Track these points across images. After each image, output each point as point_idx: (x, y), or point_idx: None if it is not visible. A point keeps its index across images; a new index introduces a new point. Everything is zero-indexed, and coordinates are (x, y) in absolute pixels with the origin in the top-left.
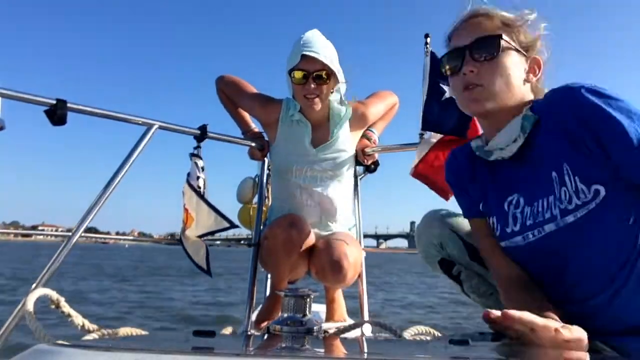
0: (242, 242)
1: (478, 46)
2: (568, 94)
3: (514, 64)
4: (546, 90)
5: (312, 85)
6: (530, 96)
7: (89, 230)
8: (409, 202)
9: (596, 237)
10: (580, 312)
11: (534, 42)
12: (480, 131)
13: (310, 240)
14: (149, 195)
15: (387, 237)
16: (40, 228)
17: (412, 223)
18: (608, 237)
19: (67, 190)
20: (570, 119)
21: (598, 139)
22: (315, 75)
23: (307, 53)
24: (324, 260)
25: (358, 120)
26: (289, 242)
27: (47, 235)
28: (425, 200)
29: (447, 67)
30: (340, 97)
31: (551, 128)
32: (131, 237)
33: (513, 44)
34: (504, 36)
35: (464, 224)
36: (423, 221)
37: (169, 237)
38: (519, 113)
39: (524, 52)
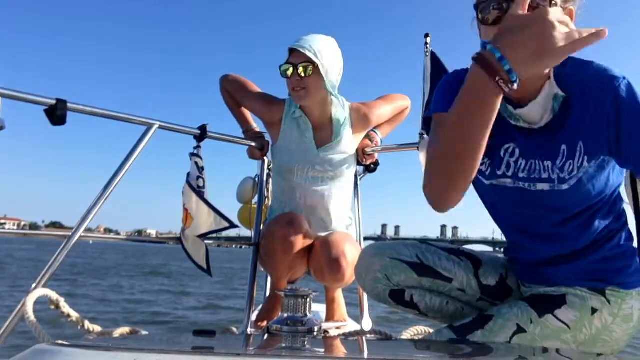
0: (242, 241)
1: None
2: (611, 82)
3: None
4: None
5: (297, 78)
6: None
7: (54, 225)
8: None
9: (578, 202)
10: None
11: None
12: None
13: (309, 239)
14: (144, 193)
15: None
16: (2, 222)
17: (384, 226)
18: (589, 194)
19: (30, 184)
20: (607, 105)
21: (619, 128)
22: (299, 68)
23: (294, 46)
24: (323, 260)
25: (361, 121)
26: (286, 241)
27: (47, 235)
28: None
29: (493, 8)
30: (330, 93)
31: (580, 106)
32: (133, 237)
33: None
34: None
35: (399, 246)
36: (361, 261)
37: (170, 236)
38: (543, 76)
39: (563, 3)
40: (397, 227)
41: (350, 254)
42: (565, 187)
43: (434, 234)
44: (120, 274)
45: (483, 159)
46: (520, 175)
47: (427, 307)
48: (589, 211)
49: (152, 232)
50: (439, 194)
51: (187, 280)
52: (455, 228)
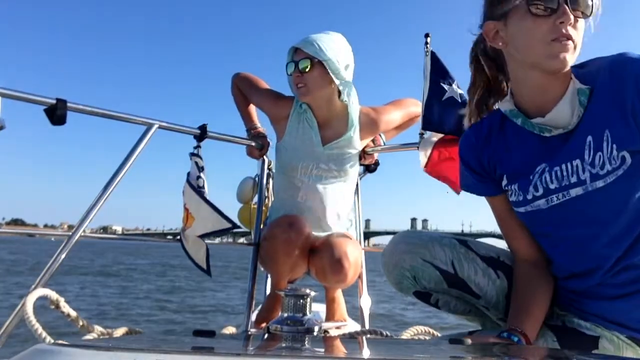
0: (242, 239)
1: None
2: (630, 64)
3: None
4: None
5: (298, 74)
6: None
7: (15, 222)
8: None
9: (621, 203)
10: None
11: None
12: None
13: (310, 240)
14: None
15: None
16: None
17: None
18: (632, 203)
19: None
20: (630, 88)
21: None
22: (299, 65)
23: (295, 45)
24: (325, 261)
25: (368, 126)
26: (288, 242)
27: (48, 234)
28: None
29: (539, 4)
30: (339, 93)
31: (604, 95)
32: (136, 234)
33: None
34: None
35: (436, 249)
36: (390, 251)
37: (170, 235)
38: (569, 76)
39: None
40: (367, 221)
41: (353, 255)
42: (600, 183)
43: (404, 227)
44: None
45: (511, 186)
46: (552, 187)
47: (449, 310)
48: None
49: (118, 229)
50: None
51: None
52: (425, 221)
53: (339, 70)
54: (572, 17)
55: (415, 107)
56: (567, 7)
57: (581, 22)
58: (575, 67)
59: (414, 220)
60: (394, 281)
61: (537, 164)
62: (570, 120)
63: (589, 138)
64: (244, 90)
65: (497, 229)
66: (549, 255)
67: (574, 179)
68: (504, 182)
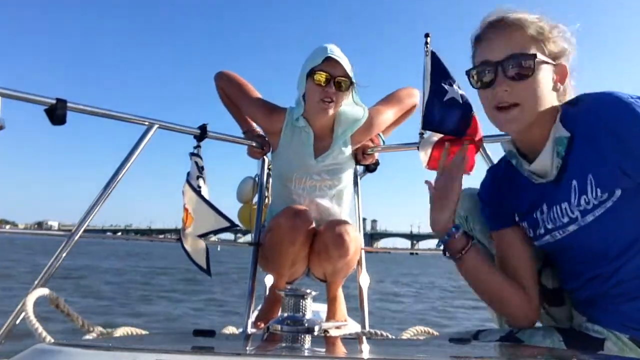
0: (242, 239)
1: (512, 64)
2: (607, 104)
3: (546, 77)
4: (572, 94)
5: (333, 90)
6: (556, 102)
7: None
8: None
9: (613, 230)
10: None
11: (564, 50)
12: (481, 133)
13: (312, 232)
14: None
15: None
16: None
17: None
18: (625, 227)
19: None
20: (606, 130)
21: (631, 153)
22: (337, 81)
23: (334, 56)
24: (327, 236)
25: (364, 129)
26: (293, 229)
27: (48, 234)
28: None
29: (477, 80)
30: (353, 98)
31: (584, 138)
32: (134, 236)
33: (544, 57)
34: (538, 54)
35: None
36: (466, 192)
37: (171, 235)
38: (552, 121)
39: (553, 62)
40: (374, 222)
41: (353, 232)
42: (590, 217)
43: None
44: None
45: (522, 223)
46: (549, 226)
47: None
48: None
49: (54, 224)
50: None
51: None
52: (374, 221)
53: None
54: (505, 86)
55: (410, 98)
56: (502, 77)
57: (524, 83)
58: (567, 104)
59: (364, 220)
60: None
61: (539, 203)
62: (551, 172)
63: (574, 182)
64: (232, 97)
65: None
66: (560, 270)
67: (565, 220)
68: (517, 219)
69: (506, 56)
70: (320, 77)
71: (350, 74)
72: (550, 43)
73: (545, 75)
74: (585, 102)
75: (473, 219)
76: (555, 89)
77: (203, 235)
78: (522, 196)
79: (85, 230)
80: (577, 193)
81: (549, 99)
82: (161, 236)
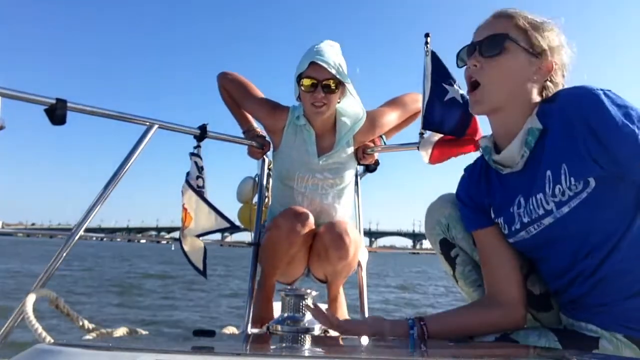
0: (228, 237)
1: (487, 43)
2: (578, 97)
3: (520, 65)
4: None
5: (321, 94)
6: (535, 96)
7: None
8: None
9: (590, 221)
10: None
11: (553, 47)
12: (481, 133)
13: (312, 234)
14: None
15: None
16: None
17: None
18: (602, 220)
19: None
20: (577, 121)
21: (602, 143)
22: (324, 84)
23: (317, 61)
24: (326, 238)
25: (366, 130)
26: (292, 232)
27: (48, 234)
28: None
29: (460, 59)
30: (350, 92)
31: (558, 130)
32: (132, 236)
33: (522, 44)
34: (512, 36)
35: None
36: (438, 199)
37: (170, 235)
38: (528, 114)
39: (535, 55)
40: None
41: (353, 233)
42: (566, 209)
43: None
44: None
45: (497, 219)
46: (525, 220)
47: (463, 274)
48: (623, 241)
49: None
50: None
51: None
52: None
53: (353, 88)
54: (475, 60)
55: (414, 103)
56: (476, 54)
57: (493, 61)
58: (546, 101)
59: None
60: (429, 225)
61: (513, 197)
62: (517, 160)
63: (548, 172)
64: (234, 96)
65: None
66: (542, 272)
67: (541, 211)
68: (492, 215)
69: (485, 37)
70: (307, 82)
71: (340, 73)
72: (538, 37)
73: (519, 62)
74: (561, 96)
75: (454, 226)
76: (533, 80)
77: (202, 235)
78: (497, 190)
79: (86, 230)
80: (552, 183)
81: (522, 90)
82: (167, 236)
